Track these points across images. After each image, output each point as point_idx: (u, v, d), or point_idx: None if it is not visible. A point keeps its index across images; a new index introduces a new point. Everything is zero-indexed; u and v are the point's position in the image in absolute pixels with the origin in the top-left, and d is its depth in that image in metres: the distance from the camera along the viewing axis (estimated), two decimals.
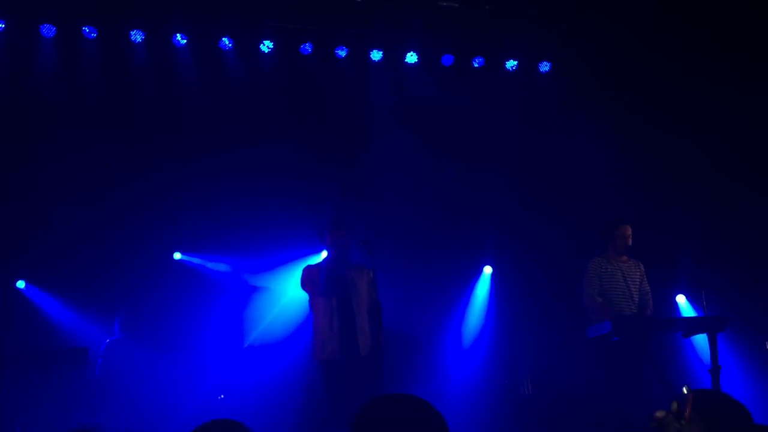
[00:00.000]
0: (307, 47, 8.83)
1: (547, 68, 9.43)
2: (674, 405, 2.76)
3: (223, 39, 8.58)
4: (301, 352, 8.31)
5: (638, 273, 7.87)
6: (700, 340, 7.91)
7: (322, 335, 6.81)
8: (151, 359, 7.87)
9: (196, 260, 8.65)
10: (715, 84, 9.07)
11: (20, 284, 8.21)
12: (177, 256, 8.61)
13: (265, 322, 8.75)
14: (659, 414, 2.78)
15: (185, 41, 8.51)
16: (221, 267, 8.72)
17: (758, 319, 8.69)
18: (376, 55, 9.03)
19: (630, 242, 7.81)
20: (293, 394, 8.03)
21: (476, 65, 9.29)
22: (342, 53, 8.94)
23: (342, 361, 6.73)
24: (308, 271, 6.91)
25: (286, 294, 8.81)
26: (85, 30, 8.25)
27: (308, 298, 6.97)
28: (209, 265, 8.67)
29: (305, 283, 6.90)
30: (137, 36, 8.35)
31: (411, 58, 9.13)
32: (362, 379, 6.65)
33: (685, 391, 2.79)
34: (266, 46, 8.69)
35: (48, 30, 8.16)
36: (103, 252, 8.20)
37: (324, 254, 7.39)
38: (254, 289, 8.83)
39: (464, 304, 9.41)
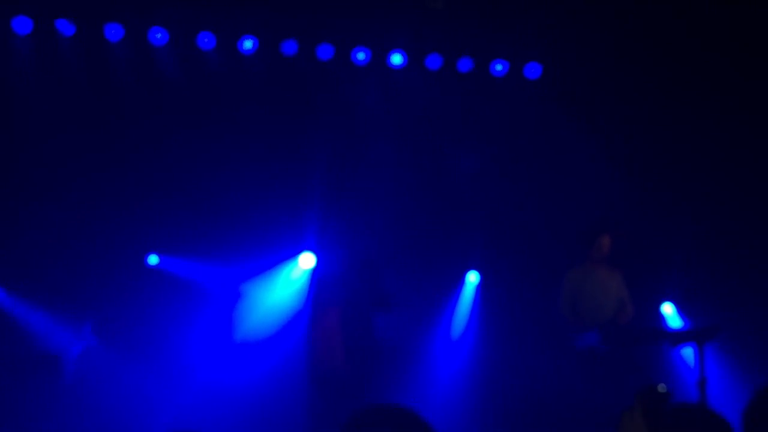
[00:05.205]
0: (290, 45, 8.64)
1: (537, 70, 9.27)
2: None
3: (203, 35, 8.39)
4: (284, 357, 8.23)
5: (615, 282, 7.79)
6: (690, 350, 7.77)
7: None
8: (124, 366, 7.72)
9: (172, 263, 8.46)
10: (709, 89, 8.90)
11: None
12: (153, 260, 8.40)
13: (245, 328, 8.57)
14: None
15: (162, 36, 8.30)
16: (199, 271, 8.53)
17: (750, 329, 8.55)
18: (360, 56, 8.85)
19: (607, 252, 7.74)
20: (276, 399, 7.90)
21: (464, 66, 9.11)
22: (326, 53, 8.75)
23: None
24: None
25: (266, 300, 8.63)
26: (61, 25, 8.05)
27: None
28: (186, 268, 8.48)
29: None
30: (115, 31, 8.15)
31: (397, 59, 8.95)
32: None
33: (660, 389, 2.82)
34: (247, 43, 8.51)
35: (23, 25, 7.95)
36: (74, 253, 7.98)
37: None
38: (233, 294, 8.64)
39: (449, 311, 9.26)
